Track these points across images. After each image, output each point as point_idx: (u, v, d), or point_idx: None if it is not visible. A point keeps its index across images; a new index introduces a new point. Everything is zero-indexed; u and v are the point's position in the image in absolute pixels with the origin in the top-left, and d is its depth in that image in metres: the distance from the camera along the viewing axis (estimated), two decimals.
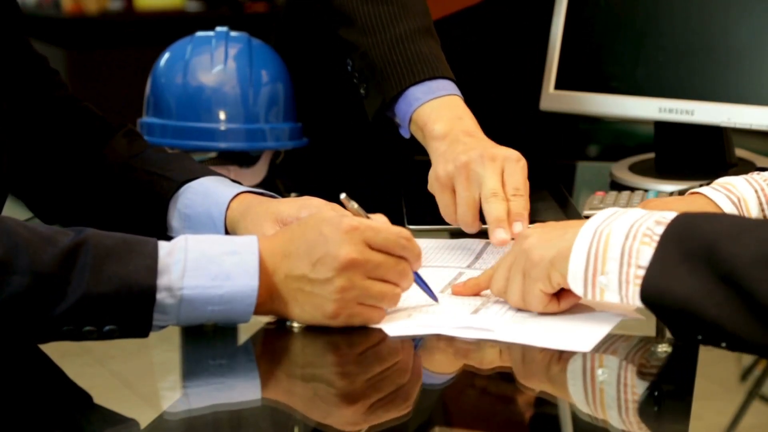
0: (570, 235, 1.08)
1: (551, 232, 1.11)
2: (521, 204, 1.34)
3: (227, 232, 1.34)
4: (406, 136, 1.50)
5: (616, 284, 1.04)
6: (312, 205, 1.29)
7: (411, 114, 1.47)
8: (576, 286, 1.07)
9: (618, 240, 1.03)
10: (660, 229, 1.02)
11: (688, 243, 0.99)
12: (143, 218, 1.38)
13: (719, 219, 1.03)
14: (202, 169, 1.41)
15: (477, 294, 1.20)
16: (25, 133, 1.39)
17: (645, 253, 1.02)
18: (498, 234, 1.31)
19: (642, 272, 1.01)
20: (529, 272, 1.11)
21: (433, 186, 1.40)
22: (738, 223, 1.01)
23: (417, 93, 1.47)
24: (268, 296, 1.10)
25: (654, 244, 1.01)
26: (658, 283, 1.00)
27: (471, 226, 1.37)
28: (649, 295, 1.01)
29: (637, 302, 1.02)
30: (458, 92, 1.49)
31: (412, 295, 1.17)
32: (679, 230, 1.01)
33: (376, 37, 1.51)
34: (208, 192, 1.36)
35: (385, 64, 1.50)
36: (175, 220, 1.37)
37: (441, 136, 1.42)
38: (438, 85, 1.47)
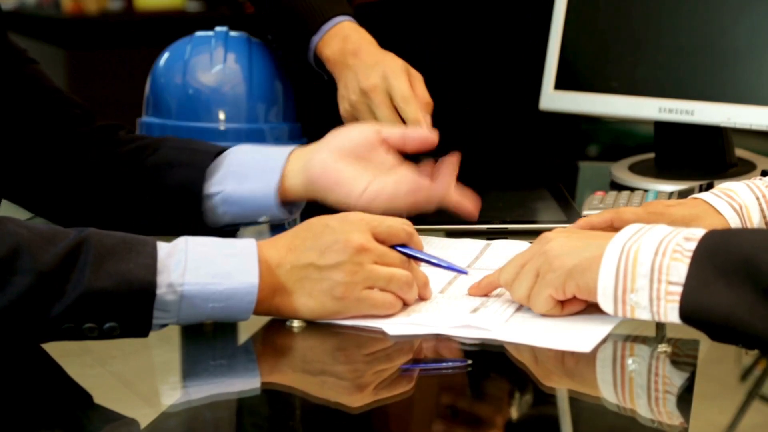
0: (593, 248, 1.07)
1: (574, 240, 1.11)
2: (411, 111, 1.46)
3: (283, 187, 1.35)
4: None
5: (647, 301, 1.03)
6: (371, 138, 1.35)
7: (313, 58, 1.61)
8: (606, 304, 1.06)
9: (647, 256, 1.03)
10: (690, 245, 1.01)
11: (723, 258, 0.99)
12: (172, 199, 1.37)
13: (751, 233, 1.03)
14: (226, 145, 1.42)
15: (490, 292, 1.19)
16: (9, 128, 1.39)
17: (676, 269, 1.01)
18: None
19: (674, 288, 1.01)
20: (544, 275, 1.11)
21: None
22: None
23: (315, 39, 1.59)
24: (271, 291, 1.10)
25: (686, 260, 1.01)
26: (697, 300, 0.99)
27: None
28: (690, 312, 1.00)
29: (671, 318, 1.02)
30: (348, 18, 1.59)
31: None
32: (712, 245, 1.00)
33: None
34: (258, 149, 1.39)
35: (284, 25, 1.63)
36: (216, 185, 1.36)
37: (331, 62, 1.56)
38: (328, 24, 1.59)
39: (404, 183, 1.33)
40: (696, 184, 1.49)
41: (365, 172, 1.33)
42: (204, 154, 1.38)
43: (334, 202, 1.34)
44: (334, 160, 1.33)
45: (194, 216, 1.36)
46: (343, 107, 1.55)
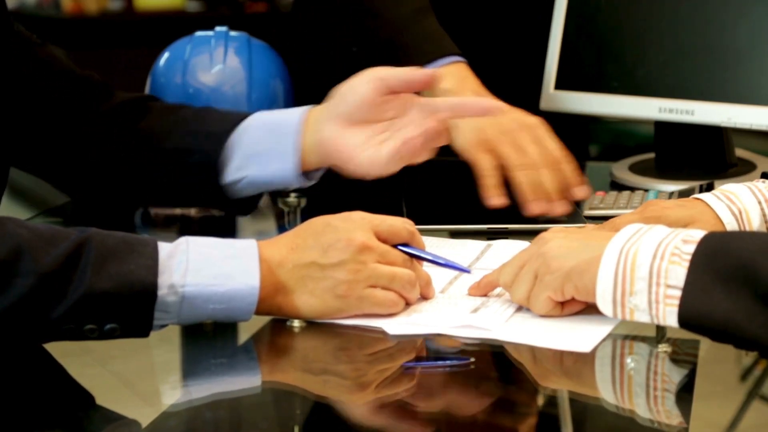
0: (591, 249, 1.07)
1: (572, 241, 1.10)
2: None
3: (304, 163, 1.37)
4: None
5: (646, 304, 1.03)
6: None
7: None
8: (605, 307, 1.06)
9: (646, 260, 1.02)
10: (688, 248, 1.01)
11: (721, 262, 0.99)
12: (189, 185, 1.39)
13: (750, 236, 1.02)
14: (241, 113, 1.41)
15: (490, 291, 1.19)
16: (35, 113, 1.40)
17: (674, 273, 1.01)
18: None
19: (672, 292, 1.01)
20: (542, 277, 1.11)
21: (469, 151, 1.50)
22: None
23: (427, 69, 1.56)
24: (273, 290, 1.10)
25: (684, 263, 1.00)
26: (696, 306, 0.99)
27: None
28: (688, 318, 1.00)
29: (670, 322, 1.01)
30: (464, 60, 1.59)
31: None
32: (710, 250, 1.00)
33: (382, 19, 1.61)
34: (269, 123, 1.37)
35: (394, 46, 1.59)
36: (232, 171, 1.37)
37: (451, 93, 1.54)
38: (448, 59, 1.58)
39: (407, 140, 1.34)
40: (696, 184, 1.49)
41: (371, 137, 1.34)
42: (214, 139, 1.38)
43: (350, 172, 1.37)
44: (342, 131, 1.35)
45: (217, 197, 1.39)
46: (467, 140, 1.52)
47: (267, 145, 1.36)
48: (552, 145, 1.51)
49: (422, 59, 1.56)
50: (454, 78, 1.56)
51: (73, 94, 1.43)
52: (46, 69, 1.43)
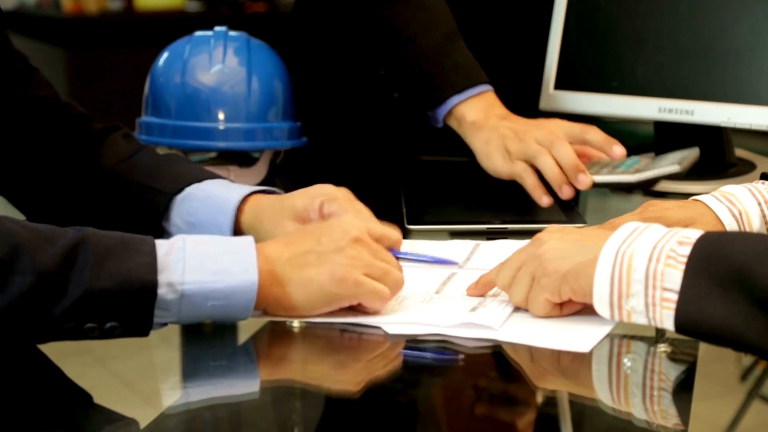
0: (588, 251, 1.07)
1: (568, 243, 1.10)
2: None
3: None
4: (438, 126, 1.64)
5: (643, 307, 1.03)
6: (324, 193, 1.30)
7: (446, 112, 1.62)
8: (602, 309, 1.06)
9: (642, 262, 1.02)
10: (683, 250, 1.01)
11: (717, 266, 0.98)
12: (136, 230, 1.36)
13: (745, 238, 1.02)
14: (196, 171, 1.37)
15: (488, 291, 1.19)
16: (4, 133, 1.38)
17: (670, 276, 1.01)
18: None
19: (669, 295, 1.01)
20: (539, 279, 1.10)
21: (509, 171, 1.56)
22: (766, 243, 1.00)
23: (455, 99, 1.61)
24: (269, 280, 1.10)
25: (680, 266, 1.00)
26: (692, 312, 0.99)
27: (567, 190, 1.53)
28: (685, 324, 1.00)
29: (667, 325, 1.01)
30: (490, 87, 1.63)
31: (411, 293, 1.19)
32: (706, 252, 1.00)
33: (412, 45, 1.63)
34: (212, 197, 1.33)
35: (423, 74, 1.63)
36: (174, 228, 1.34)
37: (476, 124, 1.59)
38: (475, 89, 1.62)
39: None
40: (696, 184, 1.49)
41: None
42: (161, 198, 1.34)
43: None
44: (282, 224, 1.31)
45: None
46: (498, 162, 1.58)
47: (203, 217, 1.33)
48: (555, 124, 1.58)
49: (450, 90, 1.60)
50: (478, 111, 1.60)
51: (51, 122, 1.41)
52: (33, 93, 1.42)
